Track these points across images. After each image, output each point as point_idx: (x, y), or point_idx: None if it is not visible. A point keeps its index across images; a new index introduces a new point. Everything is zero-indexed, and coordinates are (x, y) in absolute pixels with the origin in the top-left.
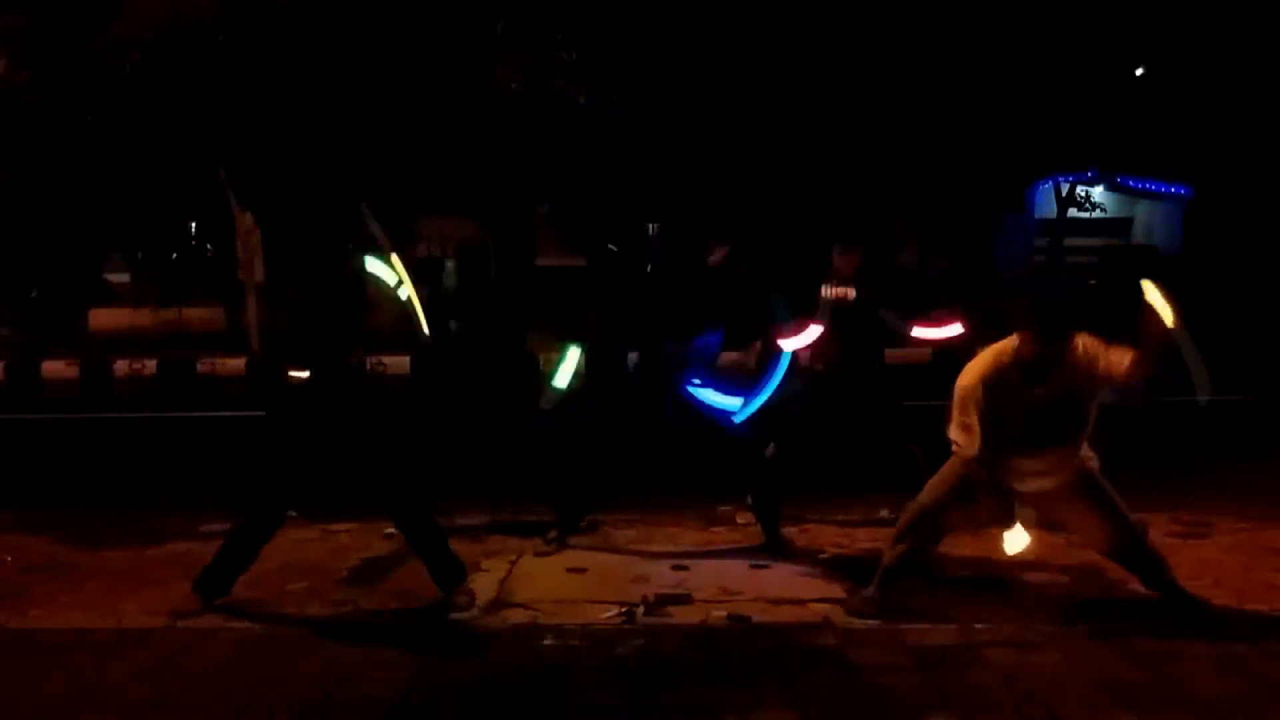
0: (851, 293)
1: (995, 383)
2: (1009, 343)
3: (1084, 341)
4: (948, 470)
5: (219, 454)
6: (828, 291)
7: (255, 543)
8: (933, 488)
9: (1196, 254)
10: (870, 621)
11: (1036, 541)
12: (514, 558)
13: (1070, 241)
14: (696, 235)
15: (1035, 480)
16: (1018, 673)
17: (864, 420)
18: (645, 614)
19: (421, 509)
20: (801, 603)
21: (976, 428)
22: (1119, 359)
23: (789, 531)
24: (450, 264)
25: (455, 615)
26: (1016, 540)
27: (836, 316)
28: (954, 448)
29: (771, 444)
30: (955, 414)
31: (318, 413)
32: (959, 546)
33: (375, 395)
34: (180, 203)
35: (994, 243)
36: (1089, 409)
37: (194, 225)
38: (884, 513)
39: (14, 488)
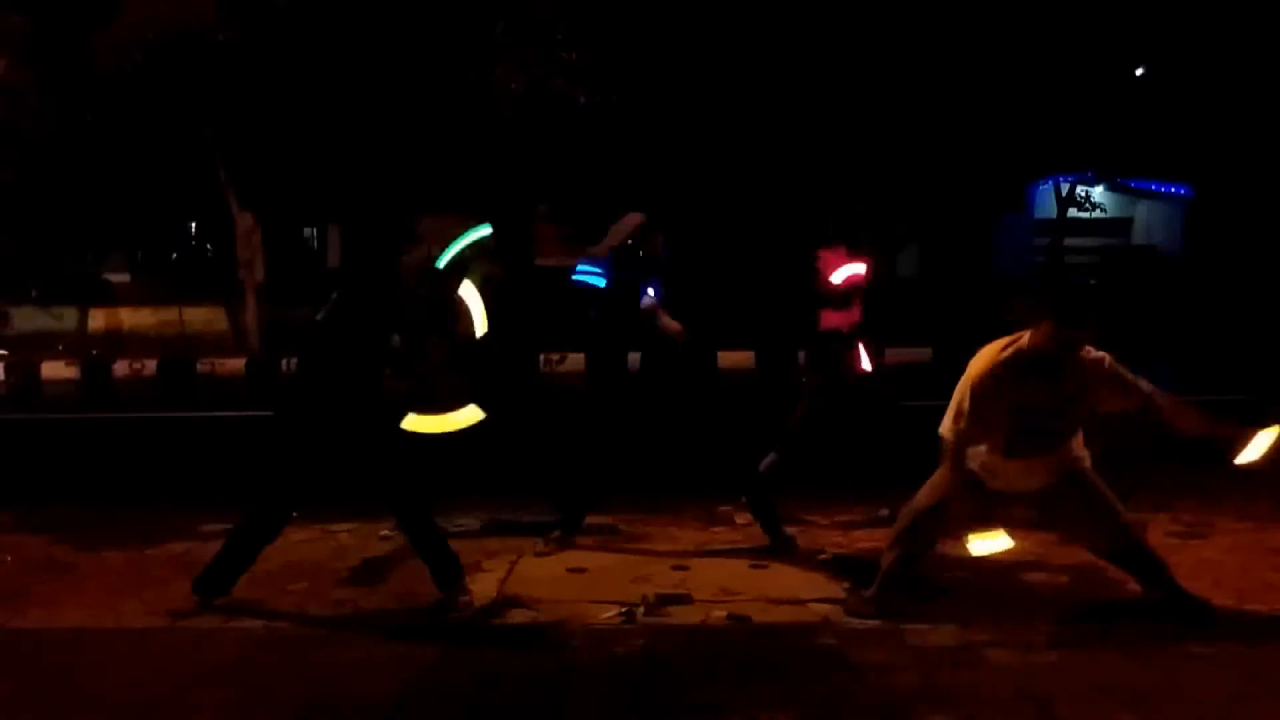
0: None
1: (1007, 373)
2: (1023, 335)
3: (1098, 355)
4: (942, 472)
5: (219, 454)
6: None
7: (258, 543)
8: (928, 490)
9: (1196, 254)
10: (870, 621)
11: (1021, 544)
12: (514, 558)
13: (1070, 241)
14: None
15: (1014, 480)
16: (1018, 673)
17: (865, 419)
18: (645, 614)
19: (423, 509)
20: (801, 603)
21: (967, 414)
22: (1111, 396)
23: (789, 531)
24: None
25: (455, 615)
26: (990, 544)
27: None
28: (943, 444)
29: (771, 454)
30: (954, 401)
31: (323, 413)
32: (959, 546)
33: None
34: (180, 203)
35: (995, 243)
36: (1080, 417)
37: (194, 225)
38: (884, 512)
39: (14, 488)
